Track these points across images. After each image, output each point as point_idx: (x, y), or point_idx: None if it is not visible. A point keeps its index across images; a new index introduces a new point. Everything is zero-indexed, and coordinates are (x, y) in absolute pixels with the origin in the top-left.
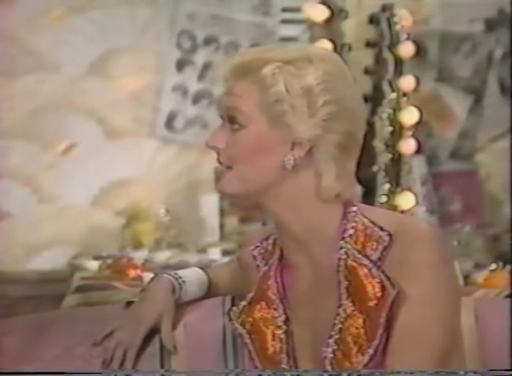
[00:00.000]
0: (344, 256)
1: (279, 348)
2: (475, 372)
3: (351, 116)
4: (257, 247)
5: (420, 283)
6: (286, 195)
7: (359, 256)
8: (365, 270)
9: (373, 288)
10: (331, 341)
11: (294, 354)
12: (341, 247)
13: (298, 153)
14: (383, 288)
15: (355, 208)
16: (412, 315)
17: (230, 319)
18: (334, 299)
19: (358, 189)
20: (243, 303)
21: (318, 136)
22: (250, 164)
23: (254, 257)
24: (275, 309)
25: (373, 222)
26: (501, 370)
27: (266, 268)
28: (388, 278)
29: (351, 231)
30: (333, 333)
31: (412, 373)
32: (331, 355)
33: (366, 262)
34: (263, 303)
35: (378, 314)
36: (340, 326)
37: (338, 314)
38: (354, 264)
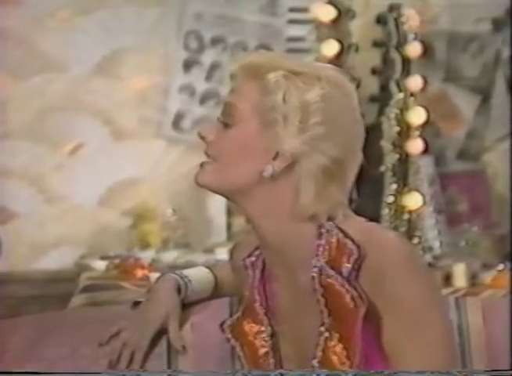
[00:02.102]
0: (317, 274)
1: (267, 362)
2: (475, 372)
3: (343, 142)
4: (249, 256)
5: (393, 293)
6: (261, 201)
7: (332, 273)
8: (339, 286)
9: (347, 304)
10: (315, 361)
11: (282, 367)
12: (315, 266)
13: (279, 164)
14: (354, 303)
15: (328, 225)
16: (391, 326)
17: (223, 332)
18: (316, 316)
19: (345, 211)
20: (237, 315)
21: (302, 153)
22: (231, 162)
23: (246, 266)
24: (261, 323)
25: (346, 235)
26: (501, 370)
27: (252, 280)
28: (358, 292)
29: (324, 247)
30: (317, 353)
31: (412, 373)
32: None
33: (339, 277)
34: (251, 315)
35: (352, 330)
36: (323, 346)
37: (321, 333)
38: (328, 280)
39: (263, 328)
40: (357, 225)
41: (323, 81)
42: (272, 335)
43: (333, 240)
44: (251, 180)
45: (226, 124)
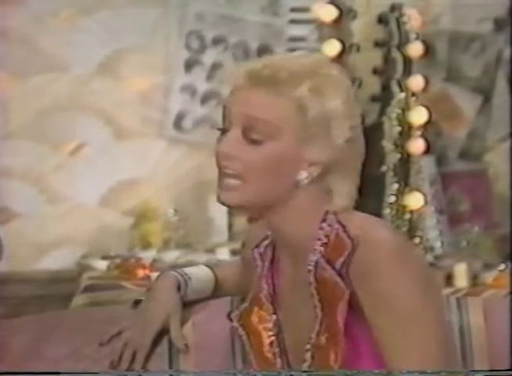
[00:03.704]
0: (313, 268)
1: (272, 351)
2: (475, 372)
3: (362, 142)
4: (257, 247)
5: (378, 288)
6: (289, 209)
7: (327, 266)
8: (331, 279)
9: (337, 296)
10: (308, 355)
11: (287, 357)
12: (311, 260)
13: (314, 171)
14: (341, 291)
15: (332, 216)
16: (378, 321)
17: (231, 321)
18: (312, 310)
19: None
20: (245, 305)
21: (336, 158)
22: (264, 178)
23: (254, 257)
24: (266, 312)
25: (344, 230)
26: (501, 370)
27: (260, 269)
28: (344, 281)
29: (322, 241)
30: (308, 347)
31: (410, 373)
32: (307, 368)
33: (331, 271)
34: (258, 304)
35: (336, 318)
36: (314, 340)
37: (314, 327)
38: (323, 274)
39: (268, 317)
40: (357, 220)
41: (338, 87)
42: (277, 325)
43: (333, 234)
44: (286, 193)
45: (255, 140)
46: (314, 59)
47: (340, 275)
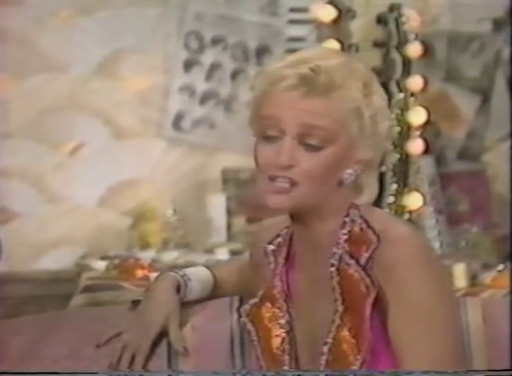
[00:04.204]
0: (337, 262)
1: (282, 348)
2: (475, 372)
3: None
4: (270, 243)
5: (400, 284)
6: (325, 207)
7: (350, 261)
8: (356, 275)
9: (361, 292)
10: (325, 348)
11: (296, 355)
12: (334, 253)
13: (358, 168)
14: (367, 289)
15: (355, 211)
16: (397, 316)
17: (240, 316)
18: (331, 304)
19: None
20: (255, 300)
21: (374, 156)
22: (319, 182)
23: (266, 253)
24: (279, 309)
25: (368, 225)
26: (501, 370)
27: (274, 266)
28: (371, 279)
29: (346, 236)
30: (328, 340)
31: (412, 373)
32: (324, 362)
33: (356, 266)
34: (269, 302)
35: (363, 316)
36: (334, 333)
37: (334, 321)
38: (346, 268)
39: (281, 314)
40: (377, 216)
41: (374, 86)
42: (289, 322)
43: (356, 228)
44: (329, 192)
45: (313, 146)
46: (347, 58)
47: (364, 270)
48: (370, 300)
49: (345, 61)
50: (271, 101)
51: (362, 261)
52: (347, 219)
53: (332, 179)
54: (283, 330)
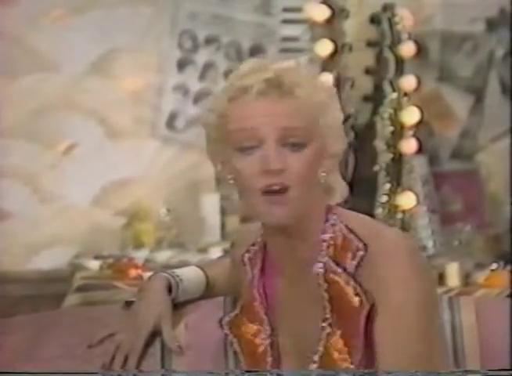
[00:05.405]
0: (322, 270)
1: (265, 359)
2: (475, 372)
3: None
4: (247, 252)
5: (391, 294)
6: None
7: (337, 269)
8: (343, 283)
9: (351, 300)
10: (316, 357)
11: (280, 364)
12: (319, 261)
13: (331, 165)
14: (360, 300)
15: (334, 216)
16: (385, 325)
17: (222, 328)
18: (318, 311)
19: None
20: (235, 312)
21: (342, 148)
22: (307, 183)
23: (244, 262)
24: (261, 322)
25: (350, 231)
26: (501, 370)
27: (251, 276)
28: (364, 291)
29: (329, 242)
30: (318, 348)
31: (409, 373)
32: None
33: (344, 274)
34: (250, 313)
35: (357, 327)
36: (325, 341)
37: (323, 329)
38: (333, 276)
39: (262, 328)
40: (359, 221)
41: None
42: (271, 334)
43: (338, 234)
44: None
45: (298, 144)
46: (290, 60)
47: (354, 278)
48: (365, 312)
49: (291, 62)
50: (241, 113)
51: (350, 269)
52: (327, 225)
53: (315, 179)
54: (264, 342)
